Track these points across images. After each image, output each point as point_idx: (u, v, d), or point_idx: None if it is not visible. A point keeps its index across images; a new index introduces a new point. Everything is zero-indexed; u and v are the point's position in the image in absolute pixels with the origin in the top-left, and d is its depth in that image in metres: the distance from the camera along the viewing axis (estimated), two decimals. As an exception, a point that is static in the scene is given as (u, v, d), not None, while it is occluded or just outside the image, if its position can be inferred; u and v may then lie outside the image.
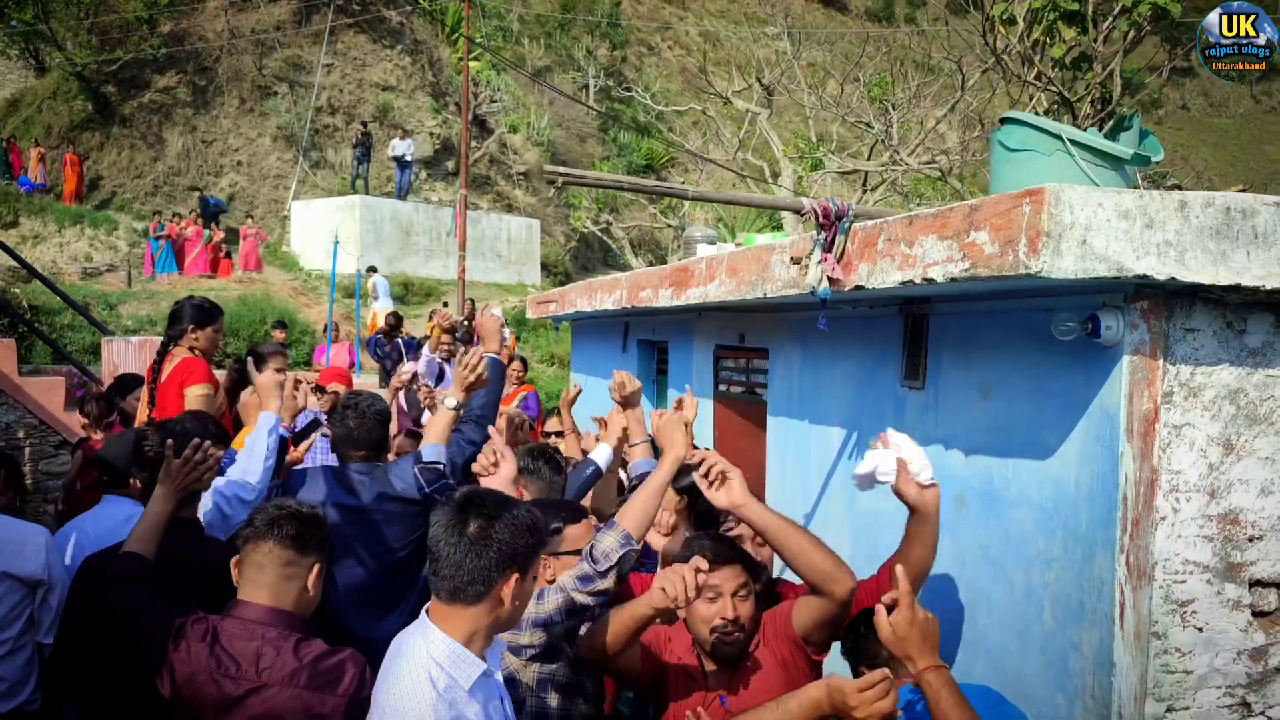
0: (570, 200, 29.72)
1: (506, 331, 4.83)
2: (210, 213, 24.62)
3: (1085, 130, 3.38)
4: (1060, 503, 3.05)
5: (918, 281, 3.02)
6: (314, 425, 5.55)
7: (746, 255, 4.35)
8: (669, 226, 25.33)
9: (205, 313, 5.20)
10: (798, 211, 3.45)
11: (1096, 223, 2.56)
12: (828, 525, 4.59)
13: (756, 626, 3.08)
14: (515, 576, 2.34)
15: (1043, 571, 3.13)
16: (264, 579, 2.69)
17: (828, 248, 3.35)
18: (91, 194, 24.89)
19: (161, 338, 5.32)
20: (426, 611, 2.39)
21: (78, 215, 23.37)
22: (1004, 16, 4.82)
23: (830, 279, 3.37)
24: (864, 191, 17.18)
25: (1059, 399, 3.06)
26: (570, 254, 31.27)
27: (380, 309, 18.92)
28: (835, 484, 4.52)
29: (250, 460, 3.75)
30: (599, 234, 28.05)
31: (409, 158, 26.61)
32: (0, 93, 26.66)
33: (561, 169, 3.42)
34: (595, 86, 35.22)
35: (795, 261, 3.57)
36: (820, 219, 3.33)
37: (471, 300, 20.65)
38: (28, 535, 3.62)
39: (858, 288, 3.36)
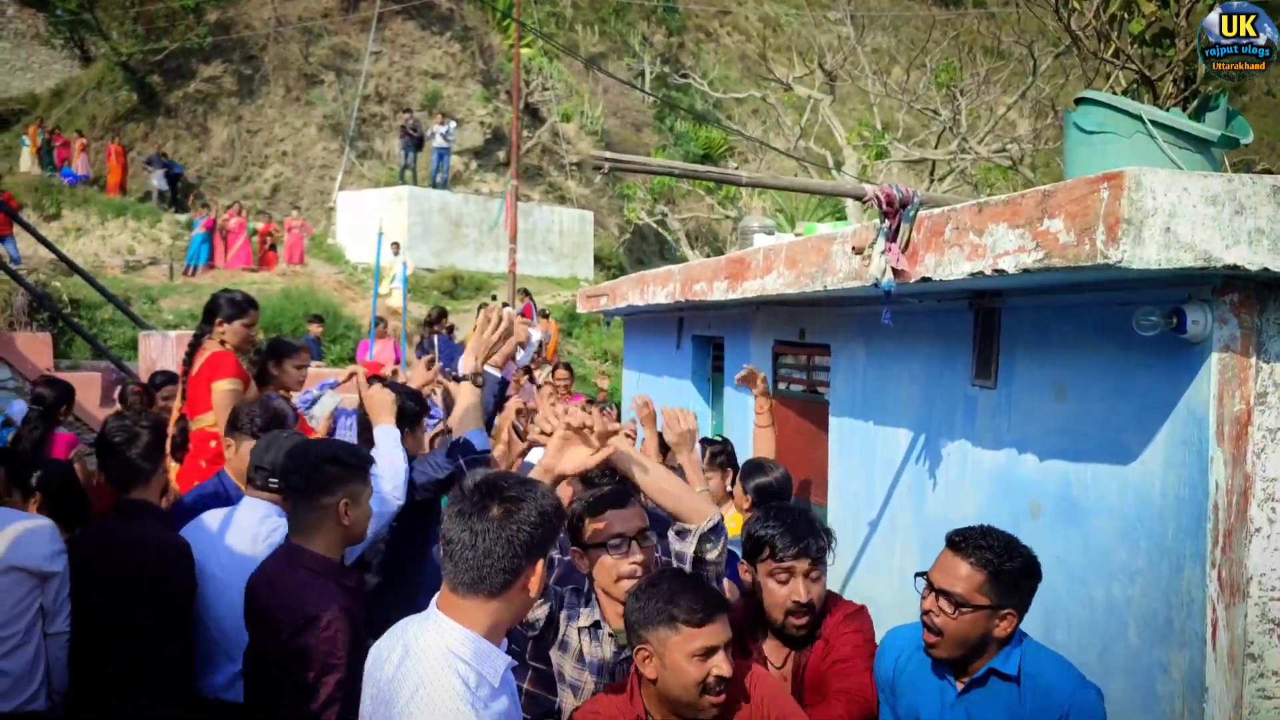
0: (624, 191, 29.74)
1: (535, 333, 4.75)
2: (171, 178, 24.97)
3: (1167, 110, 3.27)
4: (1145, 512, 2.96)
5: (987, 273, 2.94)
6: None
7: (805, 245, 4.30)
8: (727, 218, 25.25)
9: (235, 306, 5.25)
10: (860, 198, 3.38)
11: (1181, 209, 2.47)
12: (894, 532, 4.52)
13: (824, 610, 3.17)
14: (540, 562, 2.29)
15: (1125, 586, 3.04)
16: None
17: (892, 237, 3.29)
18: (133, 186, 25.38)
19: (191, 333, 5.40)
20: (435, 604, 2.32)
21: (121, 207, 23.84)
22: (1079, -11, 4.70)
23: (894, 270, 3.31)
24: (931, 181, 16.99)
25: (1141, 399, 2.96)
26: (624, 247, 31.27)
27: (395, 289, 19.04)
28: (902, 489, 4.44)
29: (393, 478, 3.78)
30: (655, 226, 28.02)
31: (449, 142, 26.68)
32: (45, 83, 27.30)
33: (608, 154, 3.40)
34: (651, 74, 35.21)
35: (857, 251, 3.50)
36: (884, 206, 3.26)
37: (525, 291, 20.75)
38: (29, 526, 3.66)
39: (924, 279, 3.29)
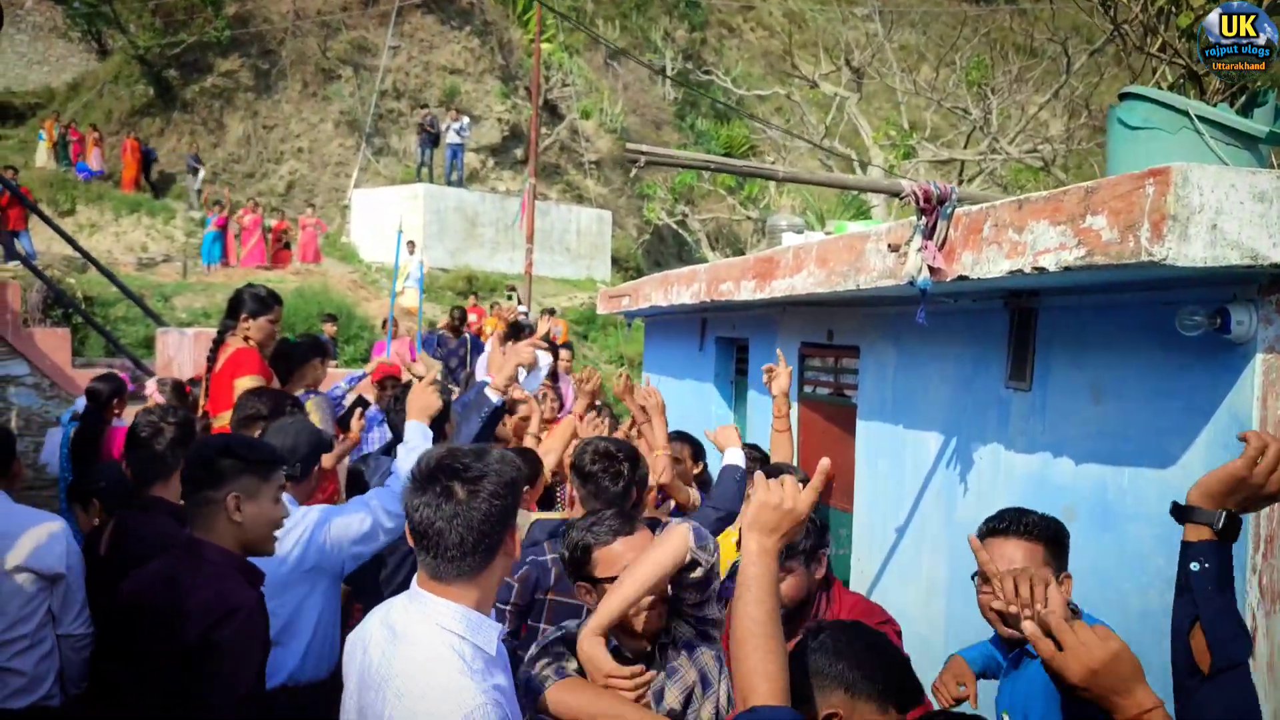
0: (644, 191, 29.72)
1: (544, 357, 4.75)
2: (191, 168, 25.17)
3: (1215, 106, 3.27)
4: (1183, 517, 2.95)
5: (1027, 271, 2.94)
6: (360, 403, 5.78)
7: (838, 244, 4.30)
8: (748, 219, 25.21)
9: (260, 302, 5.28)
10: (897, 194, 3.38)
11: (1228, 206, 2.47)
12: (923, 538, 4.51)
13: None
14: (514, 524, 2.28)
15: (1162, 593, 3.02)
16: None
17: (929, 234, 3.29)
18: (148, 181, 25.54)
19: (211, 329, 5.44)
20: (416, 584, 2.29)
21: (135, 204, 23.98)
22: (1127, -17, 4.69)
23: (931, 268, 3.31)
24: (960, 182, 16.92)
25: (1182, 401, 2.96)
26: (643, 248, 31.26)
27: (409, 289, 19.09)
28: (931, 493, 4.44)
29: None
30: (674, 226, 28.00)
31: (463, 139, 26.73)
32: (61, 76, 27.54)
33: (644, 147, 3.40)
34: (673, 70, 35.24)
35: (893, 249, 3.50)
36: (921, 203, 3.26)
37: (552, 311, 20.75)
38: (47, 527, 3.68)
39: (961, 278, 3.29)
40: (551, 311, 20.92)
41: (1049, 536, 2.71)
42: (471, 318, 18.24)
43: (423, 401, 3.93)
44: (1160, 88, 3.97)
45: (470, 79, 30.08)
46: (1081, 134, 15.40)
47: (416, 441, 3.79)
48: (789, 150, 24.87)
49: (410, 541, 2.27)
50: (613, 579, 2.58)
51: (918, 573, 4.56)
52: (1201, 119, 3.02)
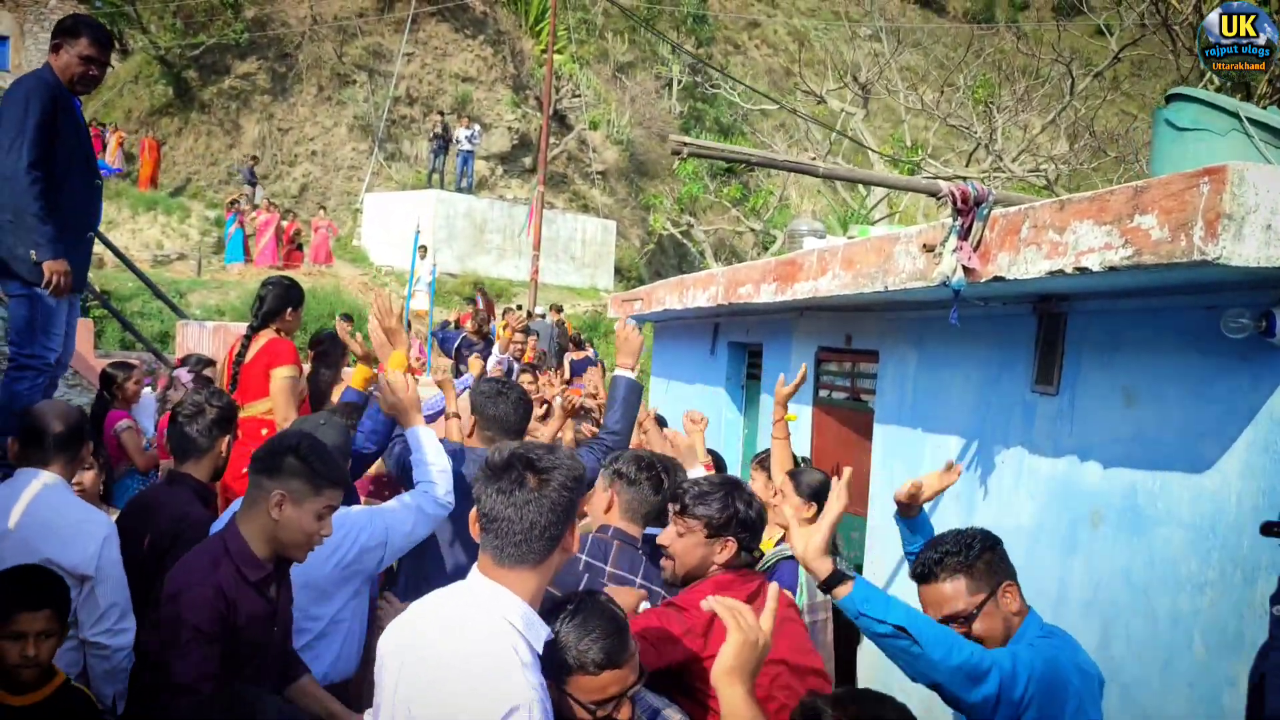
0: (649, 201, 29.73)
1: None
2: (249, 180, 25.19)
3: (1265, 109, 3.22)
4: (1218, 521, 2.89)
5: (1069, 271, 2.88)
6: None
7: (865, 246, 4.24)
8: (751, 230, 25.19)
9: (301, 292, 5.28)
10: (934, 194, 3.33)
11: (1283, 207, 2.41)
12: (941, 540, 4.44)
13: None
14: (575, 522, 2.33)
15: (1193, 597, 2.97)
16: None
17: (964, 235, 3.23)
18: (164, 180, 25.51)
19: (231, 323, 5.38)
20: (477, 574, 2.29)
21: (151, 201, 23.95)
22: (1177, -16, 4.65)
23: (965, 268, 3.24)
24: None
25: (1220, 405, 2.89)
26: (645, 258, 31.25)
27: (419, 292, 19.07)
28: (950, 497, 4.37)
29: (444, 482, 3.64)
30: (678, 237, 27.99)
31: (473, 146, 26.73)
32: (81, 75, 27.46)
33: (687, 139, 3.34)
34: (679, 84, 35.27)
35: (928, 249, 3.45)
36: (958, 204, 3.21)
37: (560, 308, 20.76)
38: (83, 524, 3.49)
39: (996, 279, 3.23)
40: (559, 309, 20.98)
41: (966, 565, 2.66)
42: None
43: (406, 403, 3.78)
44: (1207, 90, 3.92)
45: (482, 87, 30.10)
46: (1083, 155, 15.36)
47: (431, 448, 3.67)
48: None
49: (474, 533, 2.29)
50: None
51: (935, 575, 4.49)
52: (1252, 121, 2.97)
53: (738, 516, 2.99)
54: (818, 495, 4.05)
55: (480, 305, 18.99)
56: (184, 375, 6.26)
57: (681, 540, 3.00)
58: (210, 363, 6.40)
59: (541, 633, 2.26)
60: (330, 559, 3.36)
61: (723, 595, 2.55)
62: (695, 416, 4.71)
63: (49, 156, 4.59)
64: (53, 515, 3.47)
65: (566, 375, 14.82)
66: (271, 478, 2.90)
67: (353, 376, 4.29)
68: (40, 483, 3.52)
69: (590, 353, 17.68)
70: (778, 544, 4.18)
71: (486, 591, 2.25)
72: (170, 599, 2.81)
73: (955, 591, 2.65)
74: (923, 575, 2.72)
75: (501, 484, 2.25)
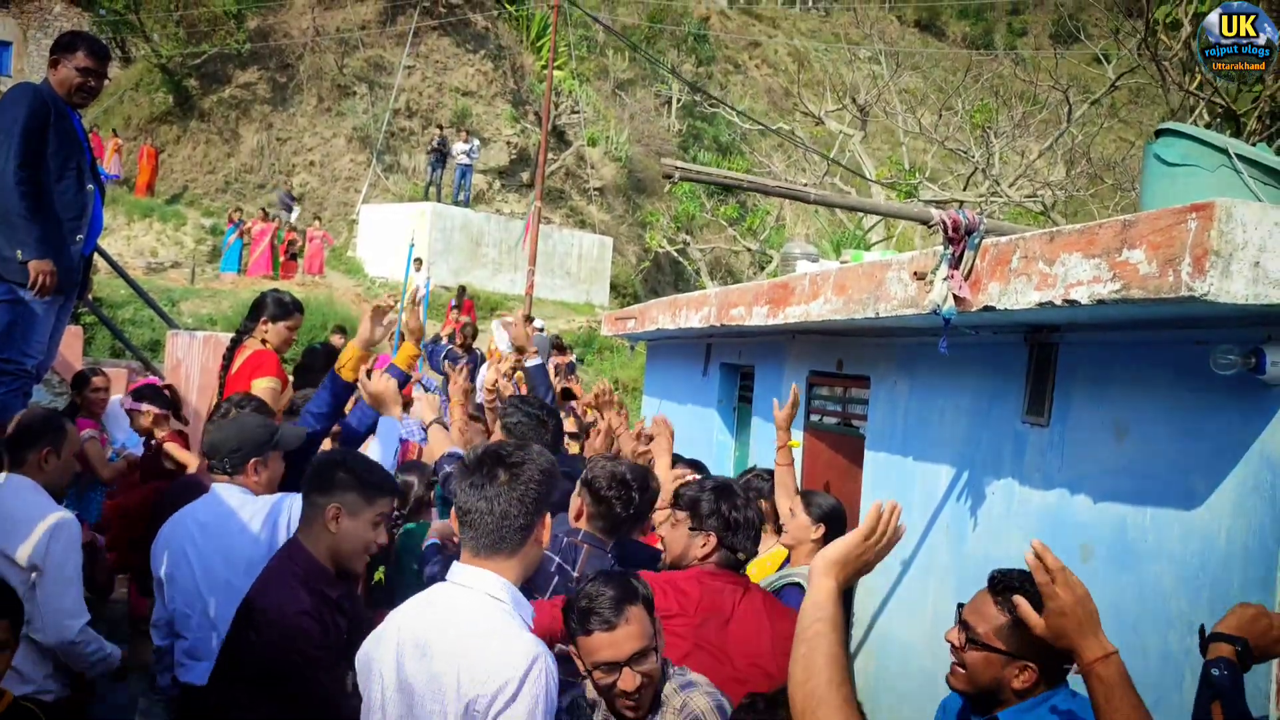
0: (645, 219, 29.76)
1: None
2: (286, 205, 25.26)
3: (1254, 145, 3.21)
4: (1208, 559, 2.86)
5: (1057, 303, 2.86)
6: None
7: (857, 271, 4.22)
8: (747, 250, 25.21)
9: (283, 307, 5.23)
10: (925, 222, 3.32)
11: (1272, 243, 2.40)
12: (930, 571, 4.41)
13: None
14: (547, 515, 2.47)
15: (1184, 636, 2.93)
16: None
17: (955, 263, 3.21)
18: (161, 188, 25.50)
19: (221, 333, 5.37)
20: (458, 567, 2.43)
21: (147, 209, 23.95)
22: (1168, 20, 4.64)
23: (956, 297, 3.22)
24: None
25: (1210, 441, 2.87)
26: (641, 276, 31.25)
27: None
28: (940, 527, 4.34)
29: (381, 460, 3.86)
30: (675, 255, 28.01)
31: (472, 160, 26.75)
32: (83, 81, 27.48)
33: (678, 163, 3.34)
34: (678, 102, 35.36)
35: (919, 277, 3.43)
36: (949, 232, 3.19)
37: (530, 318, 20.76)
38: (34, 514, 3.55)
39: (986, 308, 3.21)
40: (530, 318, 20.91)
41: (1018, 618, 2.54)
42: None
43: (386, 393, 4.12)
44: (1198, 125, 3.91)
45: (481, 101, 30.16)
46: (1080, 181, 15.41)
47: (385, 438, 4.06)
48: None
49: (453, 527, 2.51)
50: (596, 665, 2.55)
51: (923, 605, 4.45)
52: (1241, 157, 2.96)
53: (719, 512, 3.19)
54: (828, 519, 4.03)
55: (457, 308, 19.01)
56: (127, 402, 6.11)
57: (672, 530, 3.28)
58: (157, 396, 6.11)
59: (528, 611, 2.41)
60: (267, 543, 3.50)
61: (701, 590, 3.01)
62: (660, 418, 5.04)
63: (37, 161, 4.64)
64: (17, 507, 3.57)
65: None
66: (324, 494, 3.04)
67: (344, 367, 4.32)
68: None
69: (570, 358, 17.67)
70: (781, 568, 4.16)
71: (469, 574, 2.38)
72: (266, 630, 2.92)
73: (992, 620, 2.58)
74: (994, 584, 2.64)
75: (474, 479, 2.40)
